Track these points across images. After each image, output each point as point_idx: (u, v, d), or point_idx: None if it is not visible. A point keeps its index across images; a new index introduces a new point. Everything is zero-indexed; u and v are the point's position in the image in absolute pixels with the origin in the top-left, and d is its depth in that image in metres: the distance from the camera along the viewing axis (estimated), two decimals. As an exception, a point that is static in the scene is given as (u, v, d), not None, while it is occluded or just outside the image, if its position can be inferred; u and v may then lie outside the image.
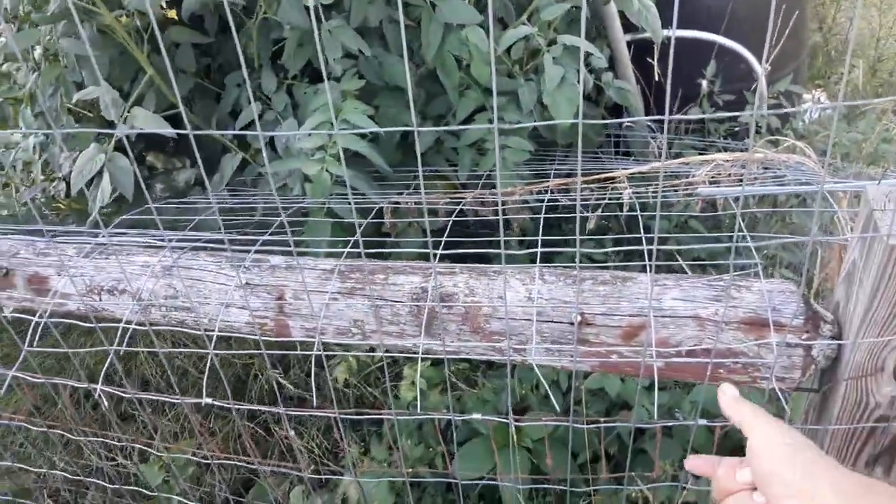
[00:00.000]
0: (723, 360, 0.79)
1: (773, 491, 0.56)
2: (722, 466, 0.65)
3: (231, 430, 1.89)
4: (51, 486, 1.78)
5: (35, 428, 1.04)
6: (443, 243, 0.98)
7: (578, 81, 1.38)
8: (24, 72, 1.60)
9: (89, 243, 1.02)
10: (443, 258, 0.93)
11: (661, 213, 1.60)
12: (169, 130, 1.20)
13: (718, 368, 0.80)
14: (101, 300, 0.98)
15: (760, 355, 0.79)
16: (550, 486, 1.59)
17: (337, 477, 1.66)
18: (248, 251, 0.99)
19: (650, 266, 0.88)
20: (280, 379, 1.89)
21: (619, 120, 0.87)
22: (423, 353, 0.85)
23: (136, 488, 1.68)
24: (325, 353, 0.97)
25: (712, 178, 1.24)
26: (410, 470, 1.62)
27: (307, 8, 1.29)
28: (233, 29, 0.49)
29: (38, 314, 0.90)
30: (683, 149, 1.80)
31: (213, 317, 0.94)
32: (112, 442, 1.72)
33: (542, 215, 1.02)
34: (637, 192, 1.31)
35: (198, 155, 0.62)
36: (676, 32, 1.74)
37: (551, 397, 1.04)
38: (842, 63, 2.66)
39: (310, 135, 1.22)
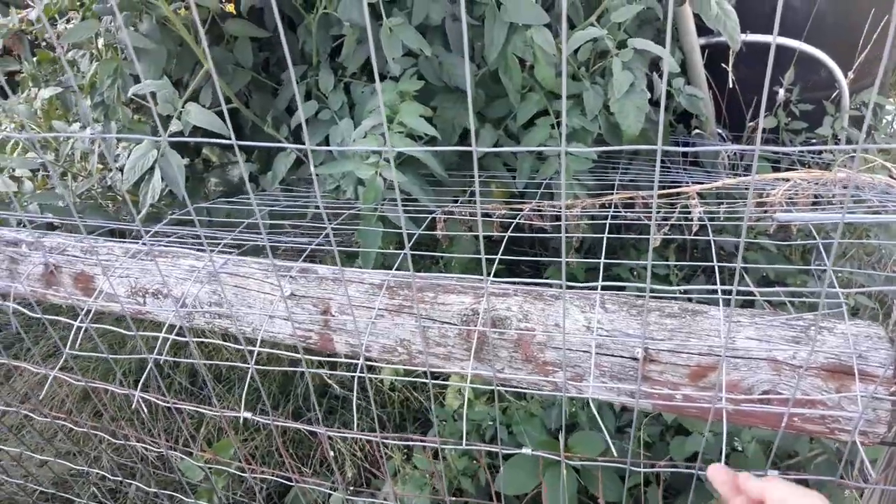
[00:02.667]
0: (800, 409, 0.72)
1: None
2: (741, 495, 0.66)
3: (265, 426, 1.87)
4: (94, 478, 1.79)
5: (77, 428, 1.03)
6: (497, 260, 0.92)
7: (648, 87, 1.31)
8: (86, 61, 1.60)
9: (136, 243, 1.00)
10: (496, 273, 0.88)
11: (730, 234, 1.52)
12: (222, 128, 1.17)
13: (793, 417, 0.73)
14: (145, 303, 0.95)
15: (842, 406, 0.71)
16: (598, 507, 1.53)
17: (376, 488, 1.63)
18: (296, 257, 0.95)
19: (722, 300, 0.81)
20: (326, 378, 1.87)
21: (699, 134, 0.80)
22: (470, 382, 0.80)
23: (178, 478, 1.69)
24: (369, 362, 0.94)
25: (789, 197, 1.15)
26: (452, 499, 1.58)
27: (369, 5, 1.25)
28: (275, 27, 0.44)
29: (79, 317, 0.88)
30: (757, 159, 1.70)
31: (257, 326, 0.91)
32: (152, 440, 1.73)
33: (606, 235, 0.95)
34: (708, 210, 1.23)
35: (232, 156, 0.58)
36: (752, 37, 1.64)
37: (599, 422, 0.98)
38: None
39: (365, 136, 1.18)
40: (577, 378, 0.79)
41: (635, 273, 1.63)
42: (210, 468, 1.62)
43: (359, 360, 0.84)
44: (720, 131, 1.78)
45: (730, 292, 0.69)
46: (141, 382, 0.81)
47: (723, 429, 1.24)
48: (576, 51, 1.35)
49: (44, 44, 2.10)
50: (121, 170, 1.50)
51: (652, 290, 0.69)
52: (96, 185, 1.36)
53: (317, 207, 1.30)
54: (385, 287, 0.87)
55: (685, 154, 1.81)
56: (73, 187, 1.36)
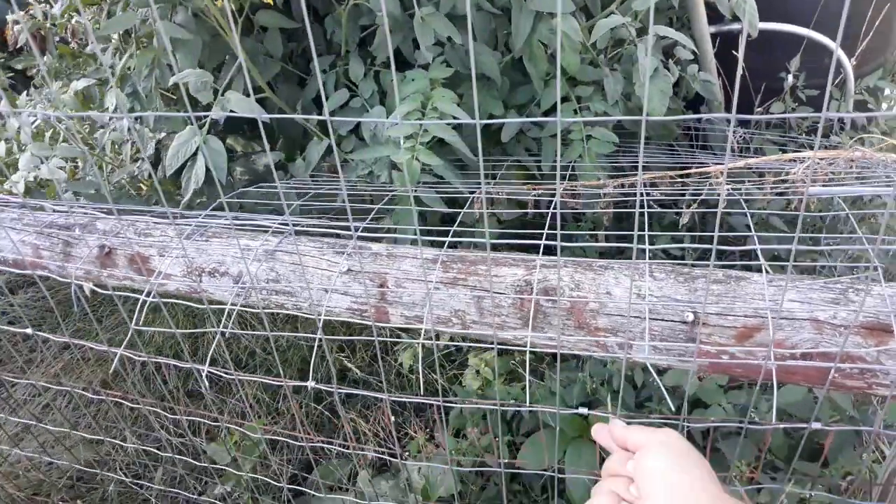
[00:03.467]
0: (840, 364, 0.77)
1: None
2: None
3: (297, 408, 1.91)
4: (121, 459, 1.82)
5: (109, 398, 1.06)
6: (544, 235, 0.97)
7: (669, 72, 1.35)
8: (109, 53, 1.63)
9: (189, 225, 1.04)
10: (526, 249, 0.92)
11: (744, 209, 1.56)
12: (263, 115, 1.20)
13: (835, 373, 0.78)
14: (201, 281, 0.99)
15: (880, 361, 0.77)
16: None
17: (407, 461, 1.67)
18: (344, 236, 0.99)
19: (766, 266, 0.86)
20: (346, 362, 1.91)
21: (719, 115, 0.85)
22: (530, 347, 0.85)
23: (205, 464, 1.73)
24: (391, 339, 0.98)
25: (808, 176, 1.20)
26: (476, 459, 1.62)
27: (399, -6, 1.29)
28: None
29: (144, 293, 0.91)
30: (763, 144, 1.76)
31: (314, 301, 0.95)
32: (180, 417, 1.76)
33: (643, 210, 1.00)
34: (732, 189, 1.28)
35: (257, 145, 0.62)
36: (763, 25, 1.69)
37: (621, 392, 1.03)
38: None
39: (397, 123, 1.22)
40: (627, 343, 0.84)
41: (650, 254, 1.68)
42: (242, 438, 1.66)
43: (383, 333, 0.89)
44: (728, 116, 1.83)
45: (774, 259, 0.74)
46: (209, 357, 0.85)
47: (739, 399, 1.29)
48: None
49: (58, 38, 2.12)
50: (149, 159, 1.53)
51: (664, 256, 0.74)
52: (126, 177, 1.39)
53: (349, 190, 1.33)
54: (439, 261, 0.91)
55: (694, 138, 1.86)
56: (106, 176, 1.39)
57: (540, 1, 1.29)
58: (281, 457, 1.86)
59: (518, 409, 1.71)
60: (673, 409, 1.60)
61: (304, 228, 1.06)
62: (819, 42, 1.71)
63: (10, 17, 1.89)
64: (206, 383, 0.88)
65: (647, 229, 0.99)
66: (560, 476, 1.62)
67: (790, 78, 1.69)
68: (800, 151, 1.68)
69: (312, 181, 1.45)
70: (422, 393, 1.87)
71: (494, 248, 1.70)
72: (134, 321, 0.90)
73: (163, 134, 1.53)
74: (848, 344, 0.77)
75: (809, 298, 0.80)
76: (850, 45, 1.79)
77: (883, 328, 0.76)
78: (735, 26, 1.70)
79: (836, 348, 0.77)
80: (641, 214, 1.75)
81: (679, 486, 0.59)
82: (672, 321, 0.82)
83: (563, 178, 1.46)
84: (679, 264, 0.86)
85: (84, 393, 1.09)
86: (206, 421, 1.67)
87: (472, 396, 1.79)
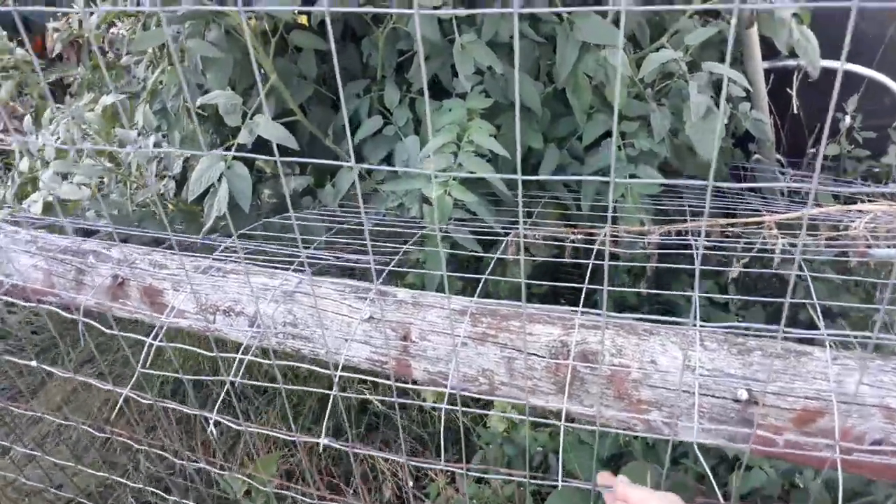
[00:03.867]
0: (916, 461, 0.68)
1: None
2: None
3: (314, 447, 1.85)
4: (133, 486, 1.77)
5: (114, 436, 1.01)
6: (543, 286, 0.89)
7: (720, 111, 1.27)
8: (143, 67, 1.59)
9: (206, 257, 0.98)
10: (542, 299, 0.85)
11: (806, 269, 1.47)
12: (290, 141, 1.15)
13: (905, 467, 0.70)
14: (215, 320, 0.93)
15: (962, 459, 0.68)
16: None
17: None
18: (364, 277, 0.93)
19: (827, 341, 0.78)
20: (367, 394, 1.84)
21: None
22: (565, 420, 0.77)
23: (218, 492, 1.67)
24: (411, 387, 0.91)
25: (871, 230, 1.11)
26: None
27: (438, 21, 1.23)
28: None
29: (151, 335, 0.86)
30: (817, 188, 1.66)
31: (331, 349, 0.88)
32: (185, 463, 1.71)
33: (698, 267, 0.92)
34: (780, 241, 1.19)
35: (288, 168, 0.55)
36: (822, 63, 1.60)
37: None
38: None
39: (430, 156, 1.15)
40: (672, 418, 0.76)
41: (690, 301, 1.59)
42: (251, 485, 1.60)
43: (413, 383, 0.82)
44: (779, 157, 1.74)
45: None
46: (216, 405, 0.79)
47: (783, 465, 1.19)
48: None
49: (92, 50, 2.10)
50: (175, 178, 1.48)
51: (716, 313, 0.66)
52: (150, 196, 1.34)
53: (376, 223, 1.27)
54: (468, 314, 0.84)
55: (741, 179, 1.77)
56: (129, 196, 1.35)
57: (587, 31, 1.22)
58: (295, 492, 1.80)
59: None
60: (707, 470, 1.51)
61: (326, 265, 0.99)
62: (879, 82, 1.61)
63: (50, 26, 1.88)
64: (216, 432, 0.82)
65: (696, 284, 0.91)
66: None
67: (847, 119, 1.60)
68: (855, 201, 1.58)
69: (341, 210, 1.39)
70: (443, 434, 1.79)
71: (528, 293, 1.63)
72: (140, 363, 0.84)
73: (190, 153, 1.49)
74: (924, 438, 0.68)
75: (880, 382, 0.71)
76: (914, 87, 1.69)
77: (966, 422, 0.67)
78: (790, 62, 1.62)
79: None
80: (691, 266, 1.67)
81: None
82: (724, 398, 0.73)
83: (603, 220, 1.38)
84: (733, 333, 0.78)
85: (88, 430, 1.03)
86: (213, 468, 1.61)
87: (497, 439, 1.71)
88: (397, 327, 0.85)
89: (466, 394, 0.81)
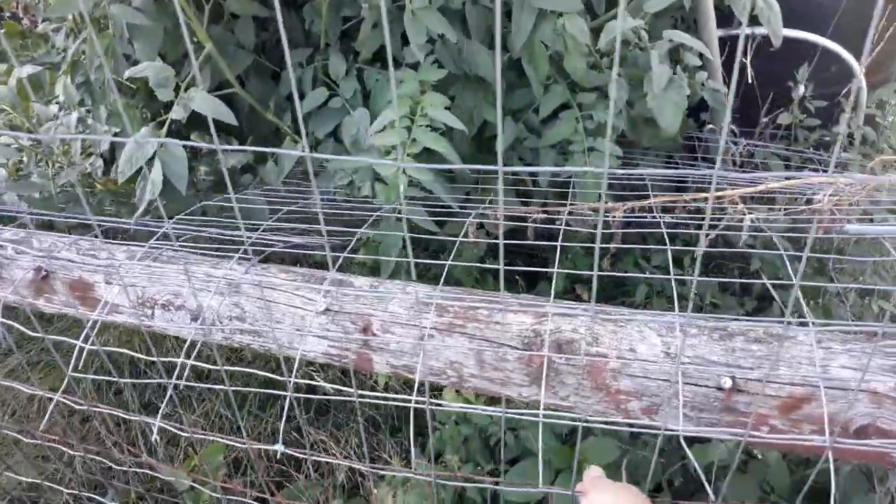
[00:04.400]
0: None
1: None
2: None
3: (263, 429, 1.77)
4: (69, 481, 1.66)
5: (73, 452, 0.92)
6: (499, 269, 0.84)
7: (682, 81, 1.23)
8: (62, 35, 1.46)
9: (142, 246, 0.89)
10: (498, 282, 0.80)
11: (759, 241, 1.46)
12: (227, 116, 1.06)
13: (892, 453, 0.68)
14: (153, 315, 0.85)
15: (946, 442, 0.66)
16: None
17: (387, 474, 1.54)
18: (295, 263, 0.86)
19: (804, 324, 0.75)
20: (317, 378, 1.77)
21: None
22: (543, 412, 0.72)
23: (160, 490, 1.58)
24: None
25: (835, 203, 1.10)
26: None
27: (388, -16, 1.15)
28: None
29: (82, 336, 0.77)
30: (767, 157, 1.66)
31: (285, 344, 0.81)
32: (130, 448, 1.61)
33: (670, 248, 0.88)
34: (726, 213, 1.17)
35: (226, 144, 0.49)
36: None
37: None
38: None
39: (384, 129, 1.08)
40: (652, 409, 0.72)
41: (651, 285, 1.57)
42: (195, 479, 1.52)
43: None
44: (732, 127, 1.72)
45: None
46: (160, 412, 0.71)
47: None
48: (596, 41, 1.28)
49: (8, 15, 1.94)
50: (102, 156, 1.37)
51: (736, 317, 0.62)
52: (78, 175, 1.23)
53: (325, 206, 1.20)
54: (433, 303, 0.78)
55: (694, 149, 1.75)
56: (52, 177, 1.24)
57: (545, -1, 1.16)
58: (244, 478, 1.73)
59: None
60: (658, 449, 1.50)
61: (274, 251, 0.92)
62: (833, 51, 1.60)
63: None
64: (159, 438, 0.75)
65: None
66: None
67: (801, 88, 1.58)
68: (810, 170, 1.58)
69: (285, 189, 1.30)
70: (392, 415, 1.74)
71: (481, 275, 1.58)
72: (71, 367, 0.76)
73: (119, 129, 1.37)
74: (912, 421, 0.66)
75: (863, 365, 0.68)
76: (857, 55, 1.69)
77: (953, 404, 0.65)
78: (742, 31, 1.59)
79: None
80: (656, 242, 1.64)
81: None
82: (707, 387, 0.70)
83: (562, 195, 1.34)
84: (715, 317, 0.74)
85: (19, 437, 0.94)
86: (155, 463, 1.52)
87: (452, 418, 1.67)
88: (356, 319, 0.79)
89: (435, 381, 0.75)
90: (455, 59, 1.25)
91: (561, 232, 0.98)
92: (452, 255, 1.44)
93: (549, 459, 1.47)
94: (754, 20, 1.41)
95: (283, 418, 0.72)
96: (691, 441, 1.46)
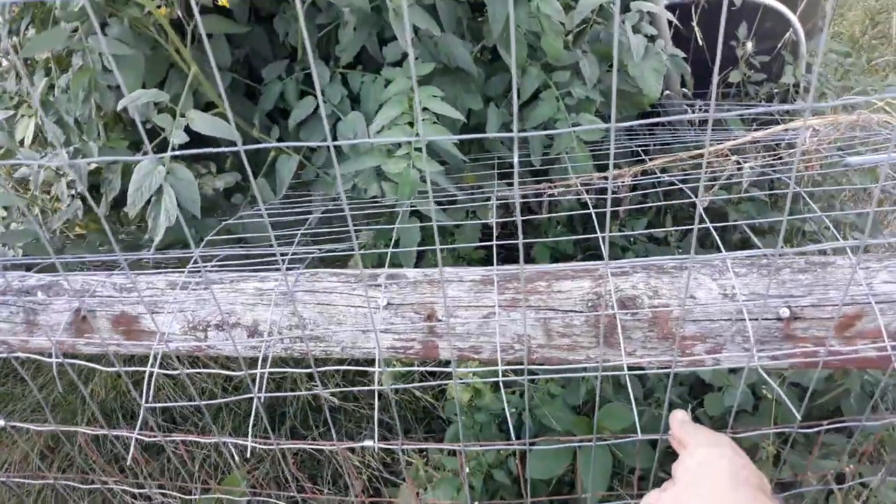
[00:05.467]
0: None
1: None
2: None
3: (277, 454, 1.75)
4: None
5: (54, 481, 0.90)
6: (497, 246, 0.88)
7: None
8: (12, 78, 1.41)
9: (181, 272, 0.88)
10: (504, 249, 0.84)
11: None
12: (232, 134, 1.06)
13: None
14: (206, 338, 0.84)
15: None
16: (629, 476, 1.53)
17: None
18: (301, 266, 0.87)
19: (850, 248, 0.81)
20: (321, 392, 1.76)
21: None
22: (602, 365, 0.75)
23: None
24: (359, 368, 0.87)
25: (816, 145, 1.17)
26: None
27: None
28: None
29: (150, 363, 0.76)
30: (724, 115, 1.74)
31: (347, 345, 0.82)
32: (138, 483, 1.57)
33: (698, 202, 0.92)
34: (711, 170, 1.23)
35: (202, 168, 0.50)
36: (718, -6, 1.67)
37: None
38: (841, 15, 2.67)
39: (389, 127, 1.10)
40: (717, 349, 0.76)
41: (633, 241, 1.63)
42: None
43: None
44: (685, 90, 1.80)
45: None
46: (138, 427, 0.71)
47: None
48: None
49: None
50: (81, 197, 1.34)
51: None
52: (75, 216, 1.20)
53: (330, 212, 1.20)
54: (490, 282, 0.81)
55: (653, 116, 1.82)
56: (41, 222, 1.20)
57: (517, -17, 1.19)
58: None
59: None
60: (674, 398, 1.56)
61: (312, 259, 0.92)
62: (771, 7, 1.70)
63: None
64: (133, 451, 0.75)
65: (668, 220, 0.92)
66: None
67: (748, 45, 1.67)
68: (763, 122, 1.67)
69: (280, 204, 1.30)
70: (400, 416, 1.75)
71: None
72: (144, 396, 0.75)
73: (93, 165, 1.34)
74: (955, 322, 0.72)
75: (907, 276, 0.74)
76: (792, 8, 1.79)
77: None
78: (688, -2, 1.67)
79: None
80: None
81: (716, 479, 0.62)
82: (766, 319, 0.75)
83: (551, 172, 1.38)
84: (755, 254, 0.79)
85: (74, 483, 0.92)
86: (179, 496, 1.49)
87: (462, 410, 1.69)
88: (419, 308, 0.81)
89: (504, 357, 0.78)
90: (433, 53, 1.28)
91: (610, 199, 1.01)
92: (455, 238, 1.47)
93: (569, 431, 1.51)
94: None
95: (252, 417, 0.73)
96: (703, 391, 1.52)
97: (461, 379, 1.75)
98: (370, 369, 0.78)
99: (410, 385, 0.85)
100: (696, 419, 1.55)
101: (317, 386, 1.83)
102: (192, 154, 1.01)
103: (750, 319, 0.74)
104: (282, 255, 0.87)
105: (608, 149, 1.43)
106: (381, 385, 1.41)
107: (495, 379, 0.75)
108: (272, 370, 0.73)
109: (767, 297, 0.74)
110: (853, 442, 1.32)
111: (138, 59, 1.13)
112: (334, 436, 0.88)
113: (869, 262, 0.76)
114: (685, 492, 0.64)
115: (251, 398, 0.73)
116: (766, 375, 0.72)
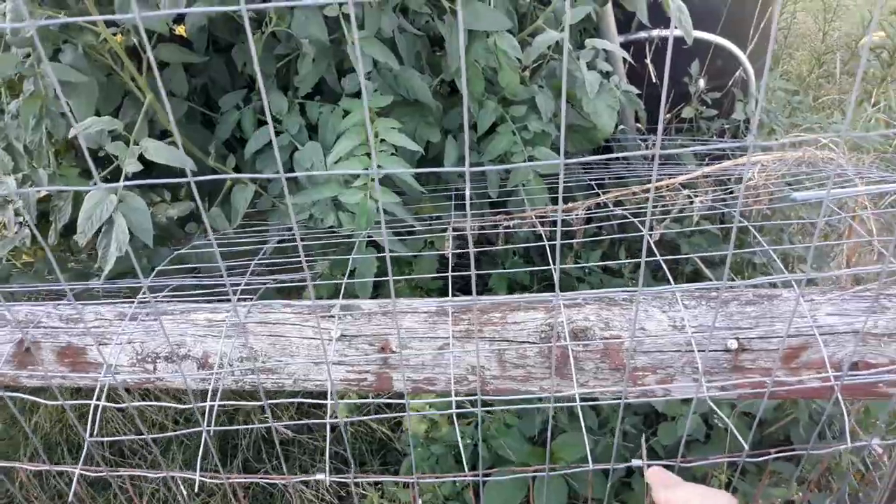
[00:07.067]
0: (887, 375, 0.75)
1: None
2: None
3: (219, 486, 1.71)
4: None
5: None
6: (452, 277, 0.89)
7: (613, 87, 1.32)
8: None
9: (129, 303, 0.87)
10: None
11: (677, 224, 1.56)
12: (186, 162, 1.05)
13: (878, 384, 0.76)
14: (155, 370, 0.83)
15: (924, 366, 0.75)
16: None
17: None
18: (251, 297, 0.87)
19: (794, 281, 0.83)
20: (275, 425, 1.73)
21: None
22: (555, 397, 0.76)
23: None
24: (312, 401, 0.87)
25: (764, 181, 1.21)
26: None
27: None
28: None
29: (95, 395, 0.74)
30: (676, 150, 1.78)
31: (299, 377, 0.81)
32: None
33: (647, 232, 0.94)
34: (671, 202, 1.26)
35: (156, 196, 0.51)
36: (665, 32, 1.72)
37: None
38: (790, 55, 2.78)
39: (346, 159, 1.10)
40: (667, 380, 0.78)
41: (588, 272, 1.65)
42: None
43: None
44: (638, 125, 1.84)
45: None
46: (81, 461, 0.70)
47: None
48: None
49: None
50: (27, 224, 1.31)
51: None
52: (23, 244, 1.17)
53: (285, 242, 1.20)
54: (445, 313, 0.81)
55: (607, 151, 1.86)
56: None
57: (475, 20, 1.21)
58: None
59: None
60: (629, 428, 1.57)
61: (265, 290, 0.92)
62: (723, 46, 1.75)
63: None
64: (75, 486, 0.73)
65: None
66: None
67: (700, 82, 1.72)
68: (715, 157, 1.72)
69: (235, 234, 1.29)
70: (356, 448, 1.73)
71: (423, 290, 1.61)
72: (88, 430, 0.72)
73: (42, 193, 1.31)
74: (892, 352, 0.75)
75: (845, 310, 0.77)
76: (740, 47, 1.85)
77: (923, 332, 0.74)
78: (642, 34, 1.72)
79: (884, 358, 0.74)
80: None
81: None
82: (714, 350, 0.76)
83: (508, 204, 1.39)
84: (706, 287, 0.81)
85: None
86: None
87: (418, 441, 1.68)
88: (373, 340, 0.80)
89: (457, 390, 0.78)
90: (392, 86, 1.29)
91: (560, 231, 1.03)
92: (401, 271, 1.47)
93: (524, 462, 1.51)
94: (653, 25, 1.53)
95: (201, 450, 0.72)
96: (657, 421, 1.54)
97: (417, 411, 1.74)
98: (323, 402, 0.77)
99: (365, 417, 0.84)
100: (650, 449, 1.56)
101: (268, 419, 1.80)
102: (146, 184, 1.00)
103: (699, 351, 0.76)
104: (234, 285, 0.87)
105: (564, 182, 1.45)
106: (335, 417, 1.40)
107: (450, 411, 0.75)
108: (223, 402, 0.72)
109: (715, 328, 0.76)
110: (801, 470, 1.35)
111: (92, 85, 1.11)
112: (285, 469, 0.87)
113: (813, 295, 0.79)
114: None
115: (201, 431, 0.71)
116: (714, 407, 0.74)
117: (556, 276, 0.63)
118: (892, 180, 1.07)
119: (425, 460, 1.63)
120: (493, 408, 1.64)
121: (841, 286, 0.80)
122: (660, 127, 0.46)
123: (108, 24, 1.08)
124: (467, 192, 0.45)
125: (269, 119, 0.44)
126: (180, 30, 1.07)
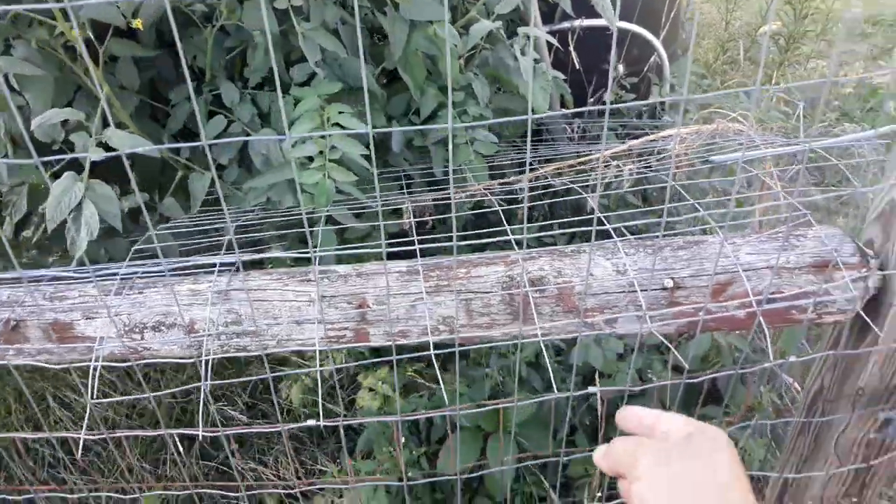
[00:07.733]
0: (799, 302, 0.87)
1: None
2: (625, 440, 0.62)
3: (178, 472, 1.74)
4: None
5: None
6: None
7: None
8: None
9: (114, 278, 0.91)
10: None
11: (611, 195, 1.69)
12: (152, 150, 1.10)
13: (791, 310, 0.88)
14: (143, 339, 0.88)
15: (829, 292, 0.88)
16: (534, 461, 1.63)
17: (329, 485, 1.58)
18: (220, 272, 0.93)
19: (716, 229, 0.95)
20: (229, 411, 1.77)
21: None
22: (521, 339, 0.85)
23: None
24: (274, 374, 0.95)
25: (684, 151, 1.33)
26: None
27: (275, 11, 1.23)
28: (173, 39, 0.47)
29: (93, 359, 0.79)
30: (601, 131, 1.92)
31: (282, 337, 0.88)
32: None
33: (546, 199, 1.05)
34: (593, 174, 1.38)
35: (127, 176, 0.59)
36: (590, 22, 1.85)
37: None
38: (697, 43, 2.98)
39: (294, 144, 1.17)
40: (616, 315, 0.88)
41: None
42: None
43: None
44: (564, 110, 1.97)
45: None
46: (85, 426, 0.76)
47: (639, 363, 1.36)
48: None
49: None
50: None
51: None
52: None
53: (248, 224, 1.25)
54: (416, 272, 0.89)
55: (537, 132, 1.98)
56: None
57: (414, 10, 1.30)
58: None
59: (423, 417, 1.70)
60: (571, 385, 1.69)
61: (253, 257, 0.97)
62: (640, 35, 1.89)
63: None
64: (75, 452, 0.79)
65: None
66: (478, 474, 1.64)
67: (620, 68, 1.86)
68: (635, 135, 1.85)
69: (189, 219, 1.34)
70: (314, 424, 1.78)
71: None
72: (90, 393, 0.77)
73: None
74: (803, 282, 0.87)
75: (762, 250, 0.89)
76: (656, 37, 2.00)
77: (826, 264, 0.87)
78: (565, 25, 1.84)
79: (796, 288, 0.87)
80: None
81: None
82: (654, 290, 0.87)
83: (440, 182, 1.49)
84: (644, 237, 0.92)
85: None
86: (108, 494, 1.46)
87: (374, 416, 1.75)
88: (352, 299, 0.88)
89: (431, 339, 0.86)
90: (338, 74, 1.36)
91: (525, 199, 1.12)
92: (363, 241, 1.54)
93: (478, 426, 1.60)
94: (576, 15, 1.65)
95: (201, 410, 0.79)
96: (593, 380, 1.66)
97: (370, 389, 1.81)
98: (305, 354, 0.84)
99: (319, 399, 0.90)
100: (590, 406, 1.67)
101: (224, 404, 1.84)
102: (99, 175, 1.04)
103: (640, 290, 0.86)
104: (213, 257, 0.92)
105: (501, 161, 1.56)
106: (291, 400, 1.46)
107: (426, 353, 0.83)
108: (216, 355, 0.78)
109: (654, 270, 0.87)
110: (727, 412, 1.49)
111: (48, 79, 1.14)
112: (238, 457, 0.92)
113: (735, 239, 0.91)
114: (685, 448, 0.57)
115: (196, 388, 0.77)
116: (659, 335, 0.84)
117: (516, 236, 0.72)
118: (791, 144, 1.22)
119: (381, 434, 1.71)
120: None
121: (757, 231, 0.93)
122: (607, 107, 0.55)
123: (61, 16, 1.11)
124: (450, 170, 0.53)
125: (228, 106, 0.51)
126: (137, 23, 1.11)
